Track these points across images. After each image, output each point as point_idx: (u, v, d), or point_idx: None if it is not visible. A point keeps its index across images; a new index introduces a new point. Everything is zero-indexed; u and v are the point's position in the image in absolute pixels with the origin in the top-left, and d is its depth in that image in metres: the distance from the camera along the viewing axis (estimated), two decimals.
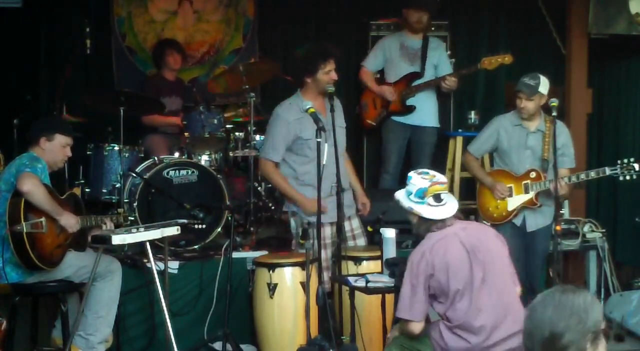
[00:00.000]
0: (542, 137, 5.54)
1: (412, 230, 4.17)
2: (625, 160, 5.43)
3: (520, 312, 3.93)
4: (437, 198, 4.02)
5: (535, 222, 5.60)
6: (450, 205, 4.05)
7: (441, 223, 4.02)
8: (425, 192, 4.00)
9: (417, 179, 4.05)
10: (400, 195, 4.10)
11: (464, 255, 3.93)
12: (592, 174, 5.50)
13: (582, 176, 5.50)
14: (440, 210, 4.02)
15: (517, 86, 5.52)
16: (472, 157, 5.82)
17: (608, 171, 5.44)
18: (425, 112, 6.79)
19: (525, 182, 5.55)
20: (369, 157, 7.22)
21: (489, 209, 5.69)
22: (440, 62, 6.84)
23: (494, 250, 4.01)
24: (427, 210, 4.02)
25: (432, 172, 4.11)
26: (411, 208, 4.04)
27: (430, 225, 4.04)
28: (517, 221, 5.61)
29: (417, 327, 4.02)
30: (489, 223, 5.59)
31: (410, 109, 6.74)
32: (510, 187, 5.60)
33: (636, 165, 5.41)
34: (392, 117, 6.79)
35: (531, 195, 5.53)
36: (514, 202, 5.59)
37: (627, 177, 5.42)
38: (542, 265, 5.73)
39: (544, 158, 5.50)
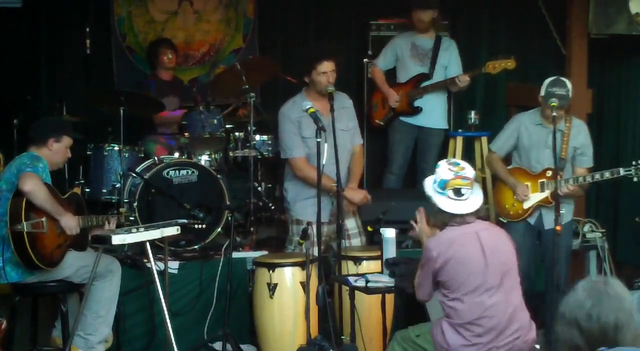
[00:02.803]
0: (561, 136, 5.52)
1: (430, 217, 4.10)
2: None
3: (523, 317, 3.97)
4: (458, 192, 3.92)
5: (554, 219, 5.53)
6: (472, 202, 3.96)
7: (460, 219, 3.94)
8: (446, 184, 3.92)
9: (444, 169, 3.96)
10: (428, 180, 4.02)
11: (481, 257, 3.90)
12: (607, 174, 5.44)
13: (597, 176, 5.46)
14: (459, 204, 3.93)
15: (554, 101, 5.31)
16: (497, 156, 5.74)
17: (622, 172, 5.40)
18: (433, 113, 6.75)
19: (541, 180, 5.52)
20: (374, 156, 7.15)
21: (505, 206, 5.67)
22: (450, 63, 6.77)
23: (510, 255, 3.99)
24: (446, 203, 3.93)
25: (462, 164, 4.01)
26: (430, 197, 3.97)
27: (447, 218, 3.96)
28: (532, 220, 5.58)
29: (423, 299, 4.11)
30: (505, 220, 5.63)
31: (417, 110, 6.71)
32: (527, 186, 5.57)
33: None
34: (400, 117, 6.78)
35: (547, 193, 5.48)
36: (530, 200, 5.56)
37: None
38: (567, 261, 5.64)
39: (561, 158, 5.45)
